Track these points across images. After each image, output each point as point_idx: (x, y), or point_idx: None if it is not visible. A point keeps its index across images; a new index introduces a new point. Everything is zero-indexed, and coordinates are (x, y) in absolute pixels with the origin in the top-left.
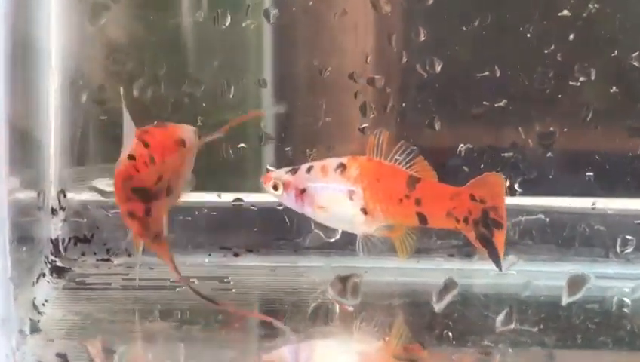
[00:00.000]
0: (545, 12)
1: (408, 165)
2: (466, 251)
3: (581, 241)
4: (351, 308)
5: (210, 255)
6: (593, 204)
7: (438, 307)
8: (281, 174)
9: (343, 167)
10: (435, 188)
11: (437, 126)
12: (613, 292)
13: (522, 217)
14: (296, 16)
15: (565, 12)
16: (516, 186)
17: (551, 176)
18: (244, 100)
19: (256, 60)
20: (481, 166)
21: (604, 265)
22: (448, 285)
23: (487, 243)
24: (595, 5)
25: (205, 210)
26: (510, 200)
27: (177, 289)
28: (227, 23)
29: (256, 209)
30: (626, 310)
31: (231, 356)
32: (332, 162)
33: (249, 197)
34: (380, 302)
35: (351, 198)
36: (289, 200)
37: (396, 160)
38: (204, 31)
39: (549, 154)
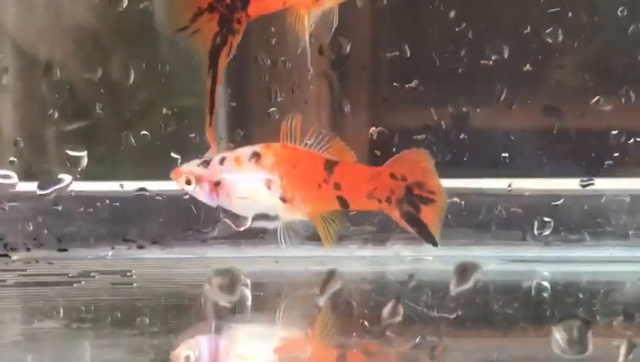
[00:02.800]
0: None
1: (324, 148)
2: (380, 237)
3: (498, 224)
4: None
5: (113, 248)
6: (509, 186)
7: (321, 300)
8: (193, 168)
9: (257, 155)
10: (354, 170)
11: (346, 109)
12: (532, 276)
13: None
14: None
15: None
16: None
17: (465, 158)
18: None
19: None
20: (393, 149)
21: (522, 248)
22: (331, 277)
23: (413, 221)
24: None
25: (107, 201)
26: None
27: (75, 285)
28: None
29: (161, 198)
30: (545, 294)
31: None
32: (245, 151)
33: (154, 186)
34: (292, 291)
35: (268, 187)
36: (203, 194)
37: (310, 144)
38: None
39: (462, 136)
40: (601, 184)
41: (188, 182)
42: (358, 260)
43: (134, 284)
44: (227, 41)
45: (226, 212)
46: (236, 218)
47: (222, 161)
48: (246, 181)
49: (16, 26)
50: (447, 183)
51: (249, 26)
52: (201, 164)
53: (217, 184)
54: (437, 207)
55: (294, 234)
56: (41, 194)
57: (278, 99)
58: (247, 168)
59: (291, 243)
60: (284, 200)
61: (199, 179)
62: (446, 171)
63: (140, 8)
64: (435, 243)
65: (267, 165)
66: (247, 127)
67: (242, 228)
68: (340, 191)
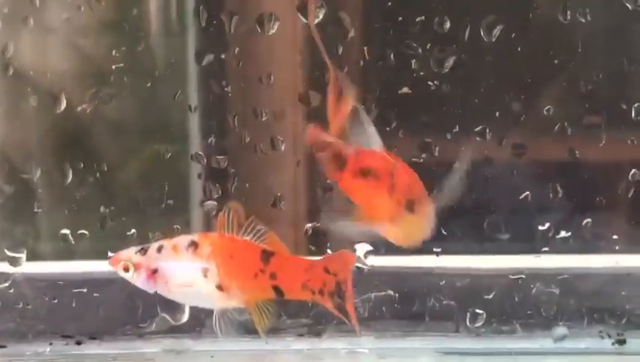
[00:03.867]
0: None
1: (259, 240)
2: (316, 330)
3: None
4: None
5: (51, 344)
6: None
7: None
8: (131, 255)
9: (194, 244)
10: (290, 261)
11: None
12: None
13: (372, 293)
14: None
15: None
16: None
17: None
18: None
19: None
20: None
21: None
22: None
23: (344, 312)
24: None
25: (46, 297)
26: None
27: None
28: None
29: (99, 294)
30: None
31: None
32: (183, 240)
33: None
34: None
35: (205, 276)
36: (140, 281)
37: (247, 235)
38: None
39: None
40: None
41: (126, 269)
42: (294, 353)
43: None
44: None
45: (164, 306)
46: (174, 312)
47: (159, 249)
48: (183, 269)
49: None
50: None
51: None
52: (139, 251)
53: (155, 271)
54: (350, 302)
55: (229, 322)
56: None
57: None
58: (184, 256)
59: (226, 331)
60: (220, 288)
61: (137, 266)
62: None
63: None
64: (358, 331)
65: (204, 254)
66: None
67: (180, 322)
68: (275, 280)
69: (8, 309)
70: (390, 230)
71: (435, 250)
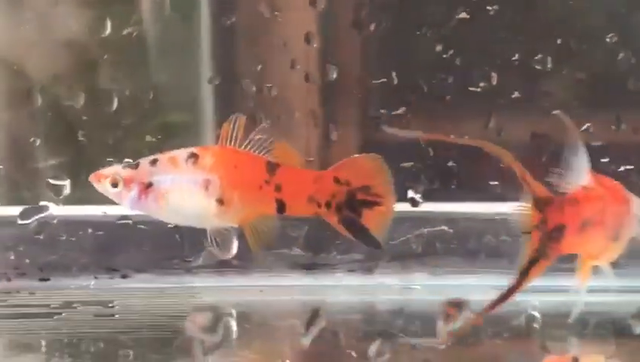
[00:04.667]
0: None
1: (267, 152)
2: (367, 266)
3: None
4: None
5: (96, 277)
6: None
7: (306, 340)
8: (117, 170)
9: (195, 156)
10: (297, 172)
11: (333, 136)
12: (523, 306)
13: (425, 229)
14: None
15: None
16: (417, 197)
17: (454, 186)
18: None
19: None
20: None
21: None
22: (315, 315)
23: (351, 226)
24: None
25: (90, 229)
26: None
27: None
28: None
29: (145, 227)
30: (535, 325)
31: None
32: (181, 153)
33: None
34: (276, 322)
35: (206, 188)
36: (130, 198)
37: (252, 148)
38: None
39: (450, 163)
40: None
41: (114, 184)
42: (345, 289)
43: (116, 316)
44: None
45: (210, 241)
46: (222, 246)
47: (153, 162)
48: (182, 182)
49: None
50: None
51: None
52: (128, 166)
53: (149, 186)
54: (382, 210)
55: (224, 239)
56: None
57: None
58: (184, 169)
59: (224, 249)
60: (220, 202)
61: (127, 181)
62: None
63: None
64: (378, 246)
65: (206, 165)
66: None
67: (227, 257)
68: (280, 193)
69: (52, 241)
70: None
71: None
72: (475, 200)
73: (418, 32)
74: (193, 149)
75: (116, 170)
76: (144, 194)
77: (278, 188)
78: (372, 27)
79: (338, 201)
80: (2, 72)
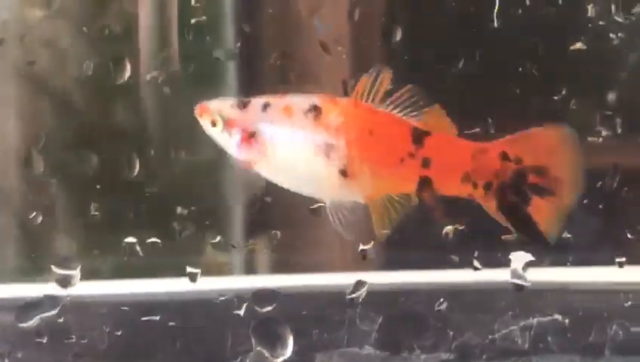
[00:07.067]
0: None
1: (415, 115)
2: None
3: None
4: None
5: None
6: None
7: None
8: (224, 106)
9: (317, 110)
10: (452, 143)
11: None
12: None
13: (534, 318)
14: None
15: None
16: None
17: None
18: None
19: None
20: None
21: None
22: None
23: (514, 215)
24: None
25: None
26: None
27: None
28: None
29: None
30: None
31: None
32: (300, 101)
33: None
34: None
35: (327, 155)
36: (230, 143)
37: (395, 108)
38: None
39: None
40: None
41: (213, 124)
42: None
43: None
44: None
45: (260, 341)
46: (273, 347)
47: (265, 106)
48: (296, 140)
49: None
50: None
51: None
52: (238, 104)
53: (252, 135)
54: (557, 203)
55: (344, 217)
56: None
57: None
58: (300, 123)
59: (347, 227)
60: (344, 174)
61: (229, 124)
62: None
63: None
64: (544, 244)
65: (331, 125)
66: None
67: (281, 359)
68: (427, 169)
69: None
70: None
71: (617, 259)
72: None
73: None
74: (315, 99)
75: (221, 106)
76: (247, 144)
77: (425, 163)
78: None
79: (502, 182)
80: None
